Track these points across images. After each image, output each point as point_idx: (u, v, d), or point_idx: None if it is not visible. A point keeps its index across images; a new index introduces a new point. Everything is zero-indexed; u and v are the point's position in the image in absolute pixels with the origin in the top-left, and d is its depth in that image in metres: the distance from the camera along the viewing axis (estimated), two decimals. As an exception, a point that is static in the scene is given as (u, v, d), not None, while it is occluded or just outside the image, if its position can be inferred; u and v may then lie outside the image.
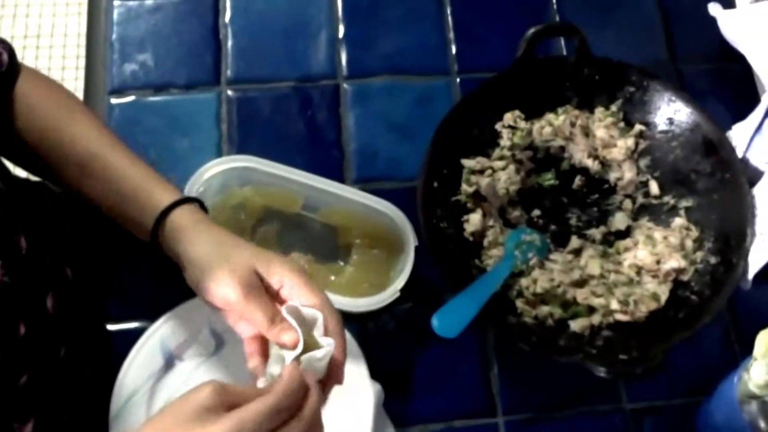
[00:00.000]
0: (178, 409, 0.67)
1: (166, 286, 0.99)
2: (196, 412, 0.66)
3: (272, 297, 0.81)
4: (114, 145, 0.91)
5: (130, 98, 1.13)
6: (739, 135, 1.08)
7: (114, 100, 1.13)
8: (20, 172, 1.02)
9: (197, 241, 0.83)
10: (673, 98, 1.06)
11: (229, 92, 1.14)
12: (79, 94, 1.15)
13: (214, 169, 1.03)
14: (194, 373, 0.95)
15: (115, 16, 1.18)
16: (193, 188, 1.01)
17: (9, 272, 0.78)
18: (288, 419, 0.69)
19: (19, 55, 0.92)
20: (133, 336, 0.95)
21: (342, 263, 1.03)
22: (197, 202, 0.89)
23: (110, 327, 1.00)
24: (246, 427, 0.65)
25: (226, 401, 0.67)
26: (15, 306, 0.78)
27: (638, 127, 1.08)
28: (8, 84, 0.90)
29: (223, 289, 0.78)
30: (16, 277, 0.78)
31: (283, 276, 0.80)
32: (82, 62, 1.09)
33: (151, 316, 0.96)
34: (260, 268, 0.80)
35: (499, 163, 1.05)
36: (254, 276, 0.79)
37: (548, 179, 1.08)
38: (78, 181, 0.91)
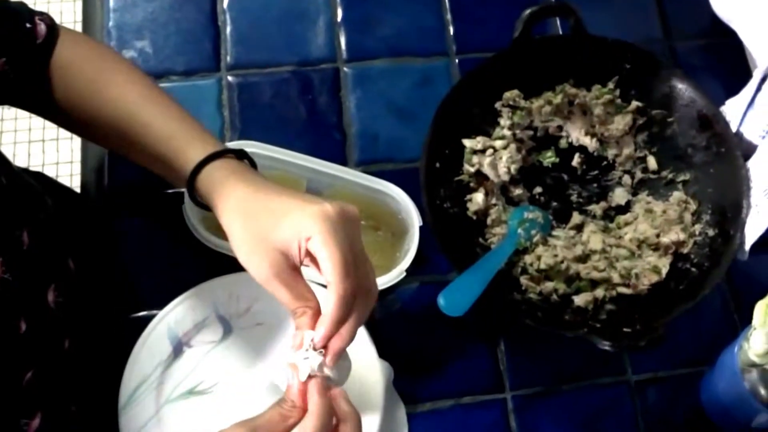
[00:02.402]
0: None
1: (173, 273, 0.97)
2: None
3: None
4: (153, 104, 0.87)
5: (130, 86, 1.10)
6: (732, 110, 1.07)
7: (114, 88, 1.09)
8: (19, 163, 1.00)
9: (223, 202, 0.78)
10: (668, 75, 1.04)
11: (230, 78, 1.11)
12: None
13: (217, 154, 0.99)
14: (203, 360, 0.92)
15: (112, 3, 1.15)
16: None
17: (10, 269, 0.75)
18: None
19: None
20: (141, 324, 0.92)
21: (347, 245, 1.01)
22: (232, 152, 0.84)
23: (117, 316, 0.98)
24: None
25: None
26: (15, 303, 0.76)
27: (635, 103, 1.06)
28: (45, 55, 0.87)
29: (247, 266, 0.74)
30: (17, 274, 0.76)
31: (309, 231, 0.72)
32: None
33: (159, 304, 0.93)
34: (286, 241, 0.73)
35: (500, 143, 1.03)
36: (277, 255, 0.73)
37: (548, 157, 1.07)
38: (117, 144, 0.89)
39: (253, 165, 0.86)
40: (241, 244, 0.75)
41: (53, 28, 0.88)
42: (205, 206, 0.83)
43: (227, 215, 0.77)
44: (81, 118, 0.89)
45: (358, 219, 0.76)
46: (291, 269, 0.73)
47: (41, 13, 0.88)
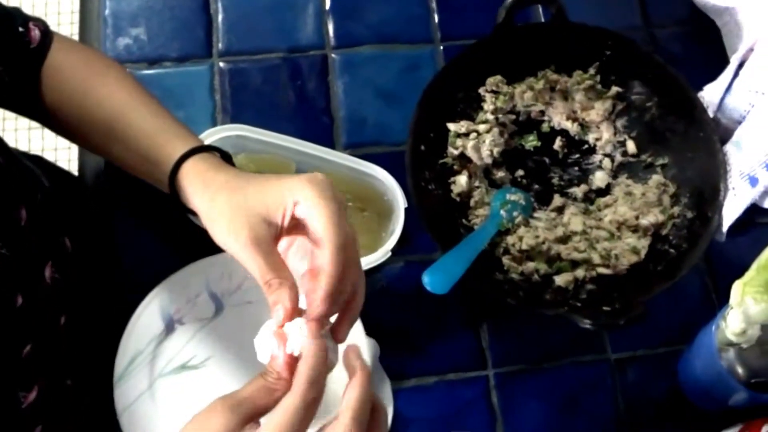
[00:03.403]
0: None
1: (167, 253, 0.97)
2: None
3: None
4: (140, 105, 0.87)
5: (125, 71, 1.10)
6: (710, 95, 1.07)
7: (109, 74, 1.10)
8: (20, 148, 1.00)
9: (204, 189, 0.77)
10: (648, 61, 1.04)
11: (221, 64, 1.11)
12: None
13: (208, 138, 1.00)
14: (195, 336, 0.93)
15: (107, -8, 1.15)
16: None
17: (8, 245, 0.75)
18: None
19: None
20: (135, 301, 0.93)
21: (334, 226, 1.01)
22: (214, 150, 0.84)
23: (112, 294, 0.98)
24: None
25: (242, 418, 0.62)
26: (13, 278, 0.76)
27: (615, 89, 1.06)
28: (38, 59, 0.87)
29: (223, 241, 0.72)
30: (15, 250, 0.76)
31: (296, 195, 0.71)
32: (76, 39, 1.05)
33: (152, 283, 0.93)
34: (271, 206, 0.71)
35: (483, 126, 1.03)
36: (259, 223, 0.70)
37: (530, 141, 1.07)
38: (104, 145, 0.87)
39: (231, 164, 0.85)
40: (219, 216, 0.72)
41: (47, 33, 0.88)
42: (184, 206, 0.81)
43: (210, 195, 0.75)
44: (70, 121, 0.88)
45: (345, 200, 0.75)
46: (269, 239, 0.71)
47: (36, 19, 0.88)
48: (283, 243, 0.76)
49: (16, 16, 0.87)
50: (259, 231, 0.70)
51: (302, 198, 0.70)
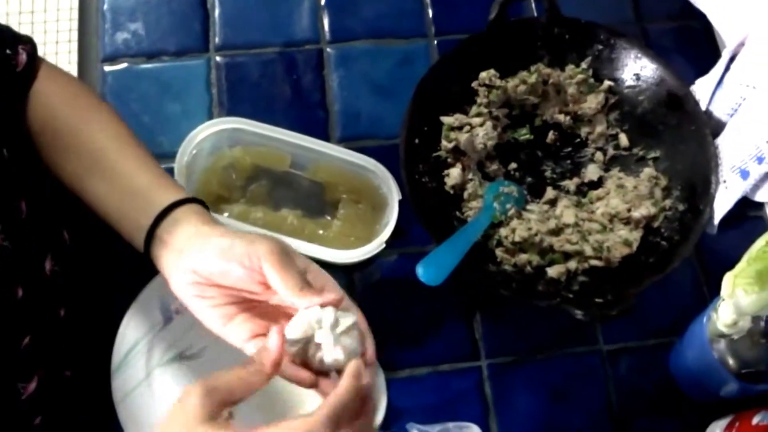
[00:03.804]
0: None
1: None
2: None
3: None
4: (127, 146, 0.85)
5: (123, 66, 1.11)
6: (702, 89, 1.08)
7: (107, 68, 1.10)
8: None
9: (204, 223, 0.77)
10: (640, 55, 1.05)
11: (218, 58, 1.12)
12: (73, 65, 1.14)
13: (205, 131, 1.00)
14: (192, 327, 0.92)
15: (106, -13, 1.15)
16: (185, 151, 0.99)
17: (9, 237, 0.75)
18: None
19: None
20: (132, 293, 0.93)
21: (329, 218, 1.02)
22: (200, 202, 0.82)
23: (109, 285, 0.98)
24: None
25: (217, 403, 0.62)
26: (14, 270, 0.76)
27: (607, 83, 1.06)
28: (24, 83, 0.86)
29: (248, 252, 0.71)
30: (16, 242, 0.76)
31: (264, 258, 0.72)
32: (75, 35, 1.06)
33: (149, 275, 0.93)
34: (250, 256, 0.72)
35: (477, 120, 1.03)
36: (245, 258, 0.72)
37: (523, 134, 1.07)
38: (83, 178, 0.84)
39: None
40: (236, 235, 0.74)
41: (34, 57, 0.86)
42: (150, 257, 0.80)
43: (202, 240, 0.75)
44: (55, 147, 0.86)
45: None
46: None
47: (26, 41, 0.86)
48: None
49: (5, 36, 0.85)
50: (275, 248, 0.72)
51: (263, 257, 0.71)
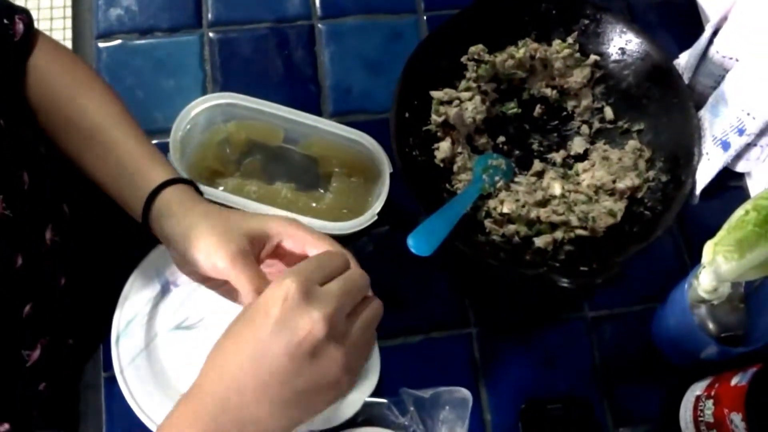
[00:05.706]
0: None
1: None
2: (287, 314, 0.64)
3: (274, 255, 0.78)
4: (122, 122, 0.86)
5: (117, 42, 1.11)
6: (685, 62, 1.08)
7: (101, 44, 1.10)
8: None
9: (185, 215, 0.78)
10: (625, 30, 1.06)
11: (211, 34, 1.12)
12: (68, 41, 1.13)
13: (199, 107, 1.00)
14: (189, 298, 0.95)
15: (99, -36, 1.14)
16: (180, 126, 0.99)
17: (11, 206, 0.76)
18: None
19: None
20: (131, 265, 0.95)
21: (322, 191, 1.02)
22: (191, 183, 0.84)
23: (109, 256, 0.99)
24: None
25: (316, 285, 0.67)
26: (14, 238, 0.77)
27: (593, 57, 1.07)
28: (22, 54, 0.86)
29: (210, 257, 0.73)
30: (17, 211, 0.77)
31: (281, 229, 0.76)
32: (69, 12, 1.05)
33: (148, 246, 0.95)
34: (254, 229, 0.75)
35: (466, 94, 1.03)
36: (244, 240, 0.74)
37: (511, 108, 1.08)
38: (80, 152, 0.86)
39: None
40: (204, 236, 0.74)
41: (30, 28, 0.86)
42: (150, 228, 0.82)
43: (191, 221, 0.77)
44: (52, 121, 0.87)
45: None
46: (253, 256, 0.75)
47: (21, 11, 0.86)
48: None
49: (1, 5, 0.85)
50: (244, 246, 0.74)
51: (293, 232, 0.75)
